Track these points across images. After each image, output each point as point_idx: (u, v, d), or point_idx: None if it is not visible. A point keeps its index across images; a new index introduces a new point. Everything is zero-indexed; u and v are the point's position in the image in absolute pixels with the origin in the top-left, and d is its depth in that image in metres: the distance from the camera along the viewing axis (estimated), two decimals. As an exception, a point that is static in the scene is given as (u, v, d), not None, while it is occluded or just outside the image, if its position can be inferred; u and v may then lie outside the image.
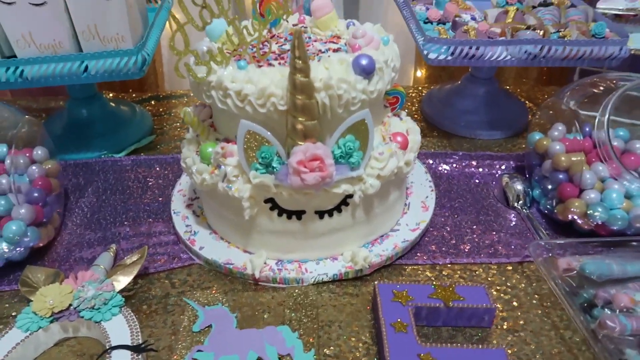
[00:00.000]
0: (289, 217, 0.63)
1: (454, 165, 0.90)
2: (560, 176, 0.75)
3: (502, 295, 0.65)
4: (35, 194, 0.70)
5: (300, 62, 0.53)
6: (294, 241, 0.65)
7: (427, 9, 0.99)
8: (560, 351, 0.57)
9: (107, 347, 0.54)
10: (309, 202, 0.62)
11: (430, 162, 0.90)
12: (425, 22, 0.95)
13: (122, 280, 0.62)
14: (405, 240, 0.70)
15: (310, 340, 0.53)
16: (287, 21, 0.74)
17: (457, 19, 0.95)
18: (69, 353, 0.57)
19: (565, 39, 0.85)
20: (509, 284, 0.66)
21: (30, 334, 0.56)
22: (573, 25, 0.88)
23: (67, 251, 0.72)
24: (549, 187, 0.77)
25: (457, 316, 0.59)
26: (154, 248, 0.72)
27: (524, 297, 0.64)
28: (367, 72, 0.58)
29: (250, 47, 0.62)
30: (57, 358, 0.57)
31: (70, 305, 0.59)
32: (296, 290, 0.61)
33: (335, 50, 0.65)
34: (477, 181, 0.87)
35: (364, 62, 0.58)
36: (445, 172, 0.89)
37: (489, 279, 0.67)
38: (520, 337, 0.59)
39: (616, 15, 0.98)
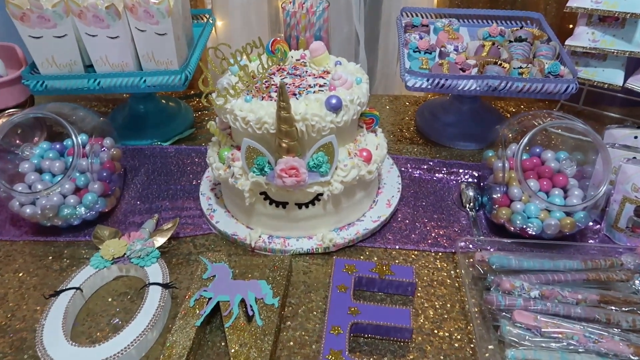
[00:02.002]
0: (277, 206, 0.88)
1: (427, 170, 1.10)
2: (497, 188, 0.94)
3: (430, 274, 0.88)
4: (104, 174, 0.99)
5: (284, 103, 0.77)
6: (280, 223, 0.89)
7: (421, 37, 1.19)
8: (456, 317, 0.81)
9: (147, 283, 0.82)
10: (291, 197, 0.86)
11: (408, 166, 1.10)
12: (415, 51, 1.14)
13: (160, 240, 0.89)
14: (366, 228, 0.92)
15: (278, 291, 0.80)
16: (292, 57, 0.97)
17: (442, 49, 1.15)
18: (123, 285, 0.86)
19: (523, 75, 1.04)
20: (438, 267, 0.89)
21: (98, 270, 0.86)
22: (536, 62, 1.08)
23: (124, 216, 0.99)
24: (493, 195, 0.96)
25: (387, 286, 0.84)
26: (184, 219, 0.96)
27: (446, 278, 0.87)
28: (335, 108, 0.81)
29: (258, 81, 0.87)
30: (115, 287, 0.85)
31: (125, 254, 0.87)
32: (277, 258, 0.88)
33: (321, 86, 0.87)
34: (442, 185, 1.06)
35: (333, 101, 0.81)
36: (418, 176, 1.08)
37: (423, 262, 0.89)
38: (431, 304, 0.83)
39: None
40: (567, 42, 1.14)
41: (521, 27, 1.22)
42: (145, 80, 1.04)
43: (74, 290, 0.81)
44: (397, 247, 0.92)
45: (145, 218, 0.96)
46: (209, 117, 1.29)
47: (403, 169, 1.09)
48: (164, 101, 1.28)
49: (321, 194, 0.86)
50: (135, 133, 1.19)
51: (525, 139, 0.90)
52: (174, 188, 1.05)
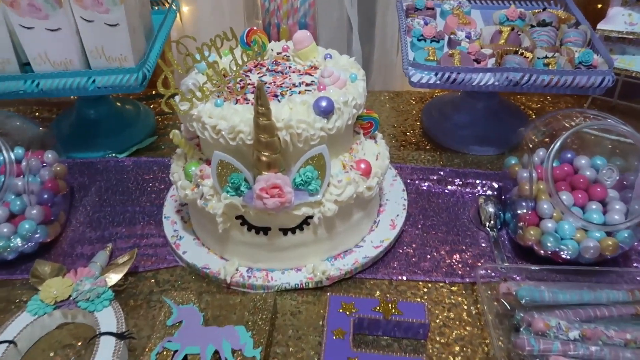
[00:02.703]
0: (257, 232, 0.84)
1: (437, 182, 1.07)
2: (523, 203, 0.91)
3: (445, 311, 0.84)
4: (45, 196, 0.94)
5: (262, 108, 0.73)
6: (261, 253, 0.86)
7: (426, 23, 1.16)
8: (481, 365, 0.77)
9: (97, 333, 0.78)
10: (273, 221, 0.83)
11: (414, 177, 1.08)
12: (419, 39, 1.11)
13: (114, 278, 0.85)
14: (366, 256, 0.89)
15: (260, 340, 0.75)
16: (272, 49, 0.94)
17: (452, 36, 1.13)
18: (67, 335, 0.81)
19: (549, 67, 1.01)
20: (454, 302, 0.85)
21: (37, 318, 0.81)
22: (564, 50, 1.05)
23: (71, 247, 0.96)
24: (518, 212, 0.92)
25: (394, 328, 0.80)
26: (144, 249, 0.94)
27: (465, 316, 0.83)
28: (325, 112, 0.78)
29: (231, 81, 0.83)
30: (58, 338, 0.81)
31: (70, 296, 0.82)
32: (258, 296, 0.83)
33: (307, 85, 0.85)
34: (455, 200, 1.04)
35: (323, 103, 0.77)
36: (427, 189, 1.06)
37: (437, 296, 0.86)
38: (448, 350, 0.79)
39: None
40: (599, 26, 1.13)
41: (544, 9, 1.21)
42: (94, 81, 1.02)
43: (6, 344, 0.76)
44: (404, 278, 0.90)
45: (97, 249, 0.94)
46: (174, 122, 1.27)
47: (409, 180, 1.08)
48: (119, 104, 1.26)
49: (311, 217, 0.83)
50: (85, 143, 1.17)
51: (557, 144, 0.87)
52: (132, 210, 1.03)
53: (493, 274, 0.86)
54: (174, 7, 1.25)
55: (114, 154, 1.16)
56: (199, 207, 0.84)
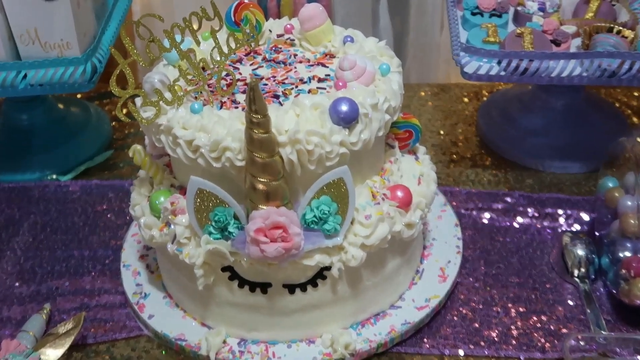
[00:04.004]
0: (252, 290, 0.80)
1: (504, 212, 1.06)
2: (628, 243, 0.88)
3: None
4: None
5: (258, 116, 0.69)
6: (259, 317, 0.83)
7: (482, -8, 1.14)
8: None
9: None
10: (275, 274, 0.79)
11: (471, 207, 1.06)
12: (474, 13, 1.10)
13: (52, 355, 0.81)
14: (406, 322, 0.86)
15: None
16: (271, 31, 0.92)
17: (520, 8, 1.11)
18: None
19: (659, 50, 0.98)
20: None
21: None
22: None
23: None
24: (619, 255, 0.89)
25: None
26: (95, 311, 0.91)
27: None
28: (346, 121, 0.74)
29: (214, 76, 0.79)
30: None
31: None
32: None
33: (321, 81, 0.82)
34: (530, 238, 1.01)
35: (343, 108, 0.73)
36: (489, 222, 1.04)
37: None
38: None
39: None
40: None
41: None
42: (25, 76, 1.01)
43: None
44: (461, 352, 0.86)
45: (29, 311, 0.91)
46: (136, 131, 1.26)
47: (463, 211, 1.07)
48: (61, 106, 1.26)
49: (328, 268, 0.79)
50: (14, 162, 1.17)
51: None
52: (79, 256, 1.01)
53: (588, 347, 0.84)
54: (137, -26, 1.22)
55: (54, 176, 1.15)
56: (170, 254, 0.81)
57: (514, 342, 0.86)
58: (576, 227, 1.03)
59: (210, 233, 0.76)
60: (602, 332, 0.85)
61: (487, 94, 1.32)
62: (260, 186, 0.73)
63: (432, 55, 1.70)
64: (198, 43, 0.85)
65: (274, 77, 0.84)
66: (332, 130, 0.74)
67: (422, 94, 1.34)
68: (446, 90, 1.35)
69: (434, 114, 1.28)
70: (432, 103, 1.31)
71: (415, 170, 0.88)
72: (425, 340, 0.87)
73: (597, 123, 1.18)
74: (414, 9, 1.66)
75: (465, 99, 1.32)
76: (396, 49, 1.58)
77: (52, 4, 0.97)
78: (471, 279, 0.95)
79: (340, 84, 0.78)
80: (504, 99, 1.27)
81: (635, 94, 1.31)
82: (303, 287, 0.81)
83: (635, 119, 1.23)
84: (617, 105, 1.28)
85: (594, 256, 0.95)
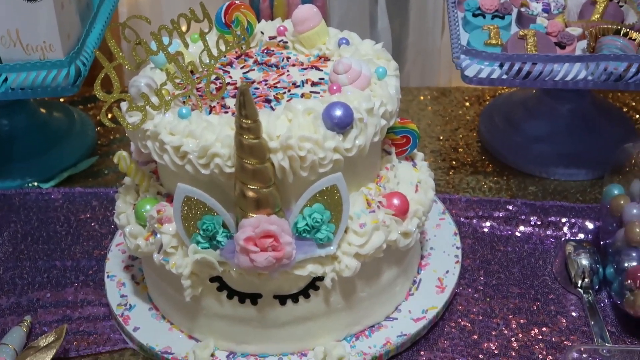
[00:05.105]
0: (242, 301, 0.80)
1: (505, 221, 1.05)
2: (634, 253, 0.88)
3: None
4: None
5: (248, 121, 0.69)
6: (249, 330, 0.82)
7: (484, -8, 1.14)
8: None
9: None
10: (265, 285, 0.79)
11: (471, 215, 1.06)
12: (475, 14, 1.10)
13: None
14: (402, 334, 0.85)
15: None
16: (263, 32, 0.92)
17: (523, 9, 1.11)
18: None
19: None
20: None
21: None
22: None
23: None
24: (625, 265, 0.89)
25: None
26: (78, 323, 0.91)
27: None
28: (341, 126, 0.74)
29: (203, 80, 0.80)
30: None
31: None
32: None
33: (314, 84, 0.82)
34: (532, 247, 1.01)
35: (337, 113, 0.73)
36: (490, 231, 1.04)
37: None
38: None
39: None
40: None
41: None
42: (6, 80, 1.01)
43: None
44: None
45: (8, 324, 0.91)
46: (122, 136, 1.26)
47: (463, 219, 1.07)
48: (43, 110, 1.26)
49: (321, 279, 0.79)
50: None
51: None
52: (61, 266, 1.01)
53: (591, 359, 0.82)
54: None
55: (35, 184, 1.15)
56: (156, 264, 0.81)
57: (514, 354, 0.86)
58: (580, 236, 1.03)
59: (198, 242, 0.76)
60: (606, 344, 0.85)
61: (489, 98, 1.33)
62: (251, 194, 0.73)
63: (434, 59, 1.70)
64: (186, 45, 0.85)
65: (265, 80, 0.84)
66: (326, 135, 0.74)
67: (422, 98, 1.34)
68: (447, 94, 1.35)
69: (433, 119, 1.29)
70: (432, 108, 1.31)
71: (413, 177, 0.88)
72: (422, 353, 0.86)
73: (604, 128, 1.18)
74: (413, 11, 1.67)
75: (467, 104, 1.32)
76: (395, 52, 1.58)
77: (35, 5, 0.97)
78: (470, 290, 0.95)
79: (335, 88, 0.78)
80: (506, 104, 1.27)
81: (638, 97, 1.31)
82: (295, 298, 0.80)
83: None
84: (625, 109, 1.28)
85: (598, 266, 0.94)
